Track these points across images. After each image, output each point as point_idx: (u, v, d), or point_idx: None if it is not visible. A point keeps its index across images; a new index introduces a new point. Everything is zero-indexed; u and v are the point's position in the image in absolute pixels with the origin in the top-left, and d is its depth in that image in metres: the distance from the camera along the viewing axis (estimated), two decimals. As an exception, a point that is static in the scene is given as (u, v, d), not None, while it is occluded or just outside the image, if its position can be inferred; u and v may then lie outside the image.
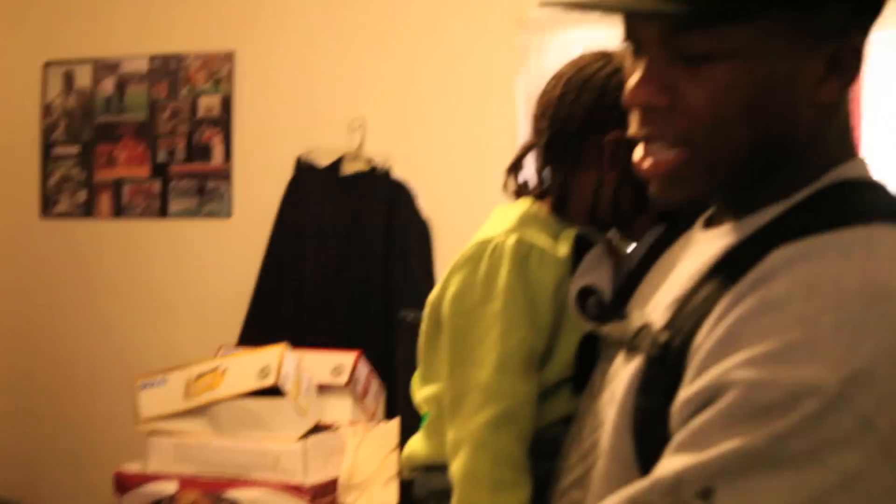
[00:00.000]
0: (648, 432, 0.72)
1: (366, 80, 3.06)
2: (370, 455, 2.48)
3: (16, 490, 3.28)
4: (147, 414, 2.41)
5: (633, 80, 0.73)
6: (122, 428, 2.67)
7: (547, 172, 0.96)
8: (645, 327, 0.76)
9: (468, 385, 0.87)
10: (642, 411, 0.73)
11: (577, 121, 0.92)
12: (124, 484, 2.37)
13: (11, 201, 3.43)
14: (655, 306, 0.78)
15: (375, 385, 2.75)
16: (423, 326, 0.98)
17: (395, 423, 2.50)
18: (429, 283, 2.21)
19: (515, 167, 0.98)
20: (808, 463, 0.59)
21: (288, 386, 2.40)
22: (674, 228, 0.91)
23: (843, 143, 0.74)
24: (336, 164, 3.00)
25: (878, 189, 0.73)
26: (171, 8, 3.23)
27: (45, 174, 3.41)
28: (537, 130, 0.97)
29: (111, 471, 2.35)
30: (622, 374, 0.77)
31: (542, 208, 0.93)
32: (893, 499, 0.60)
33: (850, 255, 0.65)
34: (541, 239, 0.89)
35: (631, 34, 0.74)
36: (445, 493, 0.90)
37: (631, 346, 0.77)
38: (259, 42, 3.13)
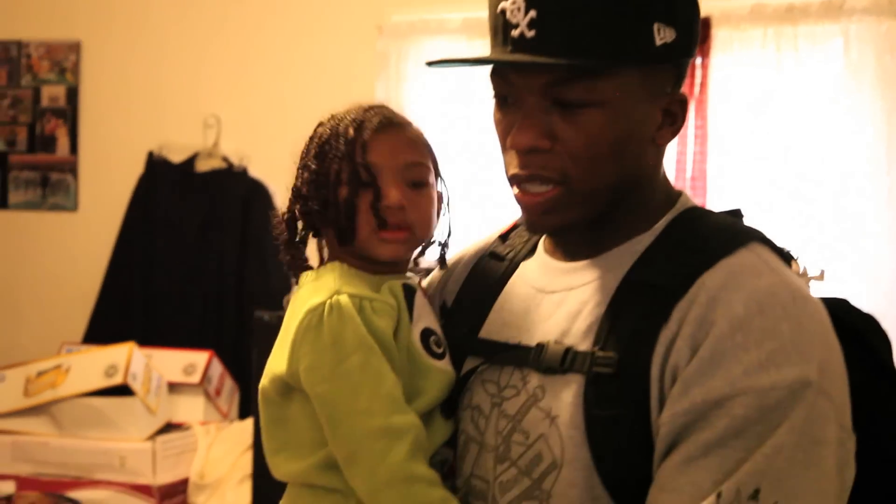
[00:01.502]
0: (605, 440, 0.79)
1: (221, 78, 3.02)
2: (223, 454, 2.45)
3: None
4: None
5: (515, 128, 0.80)
6: None
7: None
8: (568, 351, 0.83)
9: (361, 436, 0.86)
10: (597, 423, 0.79)
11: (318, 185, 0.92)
12: None
13: None
14: (554, 332, 0.85)
15: (229, 384, 2.73)
16: (265, 401, 0.94)
17: (249, 423, 2.49)
18: (285, 283, 2.22)
19: (294, 243, 0.96)
20: (817, 444, 0.72)
21: (136, 385, 2.46)
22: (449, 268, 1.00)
23: (667, 180, 0.87)
24: (190, 161, 2.95)
25: (711, 213, 0.88)
26: None
27: None
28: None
29: None
30: (555, 389, 0.83)
31: (349, 266, 0.92)
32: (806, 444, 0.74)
33: (762, 273, 0.77)
34: (366, 291, 0.89)
35: (506, 87, 0.82)
36: None
37: (548, 368, 0.83)
38: (107, 33, 3.08)
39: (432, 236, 0.95)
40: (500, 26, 0.82)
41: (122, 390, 2.47)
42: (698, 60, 2.60)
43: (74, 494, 2.44)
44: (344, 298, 0.86)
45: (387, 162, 0.89)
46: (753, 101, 2.55)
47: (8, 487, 2.46)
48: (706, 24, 2.50)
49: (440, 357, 0.90)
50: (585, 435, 0.79)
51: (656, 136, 0.84)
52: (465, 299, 0.99)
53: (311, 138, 0.92)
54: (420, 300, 0.93)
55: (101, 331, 2.87)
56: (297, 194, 0.93)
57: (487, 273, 0.99)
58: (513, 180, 0.85)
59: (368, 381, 0.84)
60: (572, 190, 0.81)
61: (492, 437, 0.88)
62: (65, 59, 3.13)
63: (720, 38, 2.57)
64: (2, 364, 2.64)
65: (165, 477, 2.50)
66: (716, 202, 2.56)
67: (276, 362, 0.89)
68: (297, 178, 0.94)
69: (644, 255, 0.84)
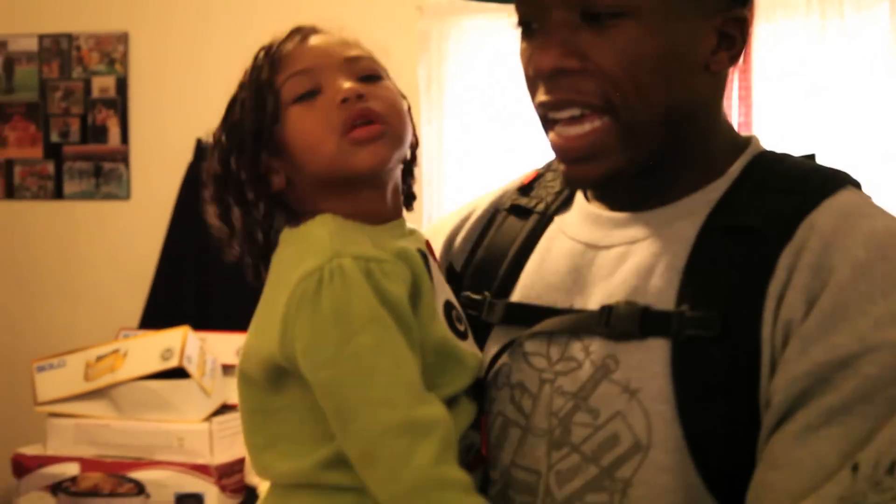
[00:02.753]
0: (702, 416, 0.70)
1: None
2: (276, 435, 2.42)
3: None
4: (45, 397, 2.44)
5: (536, 51, 0.71)
6: (20, 411, 2.73)
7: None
8: (647, 311, 0.73)
9: (379, 433, 0.73)
10: (692, 395, 0.70)
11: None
12: (23, 466, 2.40)
13: None
14: (621, 292, 0.75)
15: (281, 365, 2.70)
16: (246, 387, 0.80)
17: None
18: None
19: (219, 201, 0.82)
20: None
21: (192, 367, 2.43)
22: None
23: (729, 122, 0.79)
24: None
25: (791, 156, 0.79)
26: None
27: None
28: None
29: (9, 453, 2.41)
30: (633, 358, 0.73)
31: (342, 218, 0.78)
32: None
33: (874, 214, 0.71)
34: (371, 250, 0.75)
35: (531, 8, 0.73)
36: None
37: (618, 330, 0.74)
38: (154, 23, 3.08)
39: (411, 135, 0.80)
40: None
41: (178, 373, 2.41)
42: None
43: (136, 475, 2.43)
44: (347, 262, 0.71)
45: (323, 61, 0.77)
46: (798, 69, 2.51)
47: (72, 469, 2.44)
48: None
49: (464, 336, 0.79)
50: (677, 411, 0.70)
51: (710, 62, 0.73)
52: (482, 260, 0.87)
53: (237, 90, 0.80)
54: (434, 266, 0.80)
55: (157, 315, 2.89)
56: (224, 150, 0.79)
57: (509, 230, 0.88)
58: (545, 119, 0.76)
59: (384, 365, 0.72)
60: (619, 121, 0.72)
61: (543, 419, 0.78)
62: (113, 51, 3.13)
63: (763, 5, 2.45)
64: (62, 350, 2.61)
65: (222, 457, 2.51)
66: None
67: (262, 340, 0.76)
68: (222, 141, 0.80)
69: (723, 200, 0.74)
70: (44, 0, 3.18)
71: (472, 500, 0.71)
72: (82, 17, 3.15)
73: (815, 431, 0.65)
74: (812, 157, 0.79)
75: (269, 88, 0.75)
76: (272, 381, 0.74)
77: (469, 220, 0.89)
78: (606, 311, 0.73)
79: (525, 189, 0.88)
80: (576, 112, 0.71)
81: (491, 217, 0.88)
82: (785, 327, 0.67)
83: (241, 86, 0.77)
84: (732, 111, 2.58)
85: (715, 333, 0.69)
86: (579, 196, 0.82)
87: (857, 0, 2.48)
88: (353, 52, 0.76)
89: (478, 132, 2.91)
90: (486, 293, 0.82)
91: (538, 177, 0.88)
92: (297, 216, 0.77)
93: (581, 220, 0.81)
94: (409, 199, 0.82)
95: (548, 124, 0.74)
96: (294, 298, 0.70)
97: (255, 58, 0.77)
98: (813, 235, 0.68)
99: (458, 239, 0.88)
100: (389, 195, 0.77)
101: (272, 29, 0.79)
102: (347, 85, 0.73)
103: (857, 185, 0.73)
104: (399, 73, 0.89)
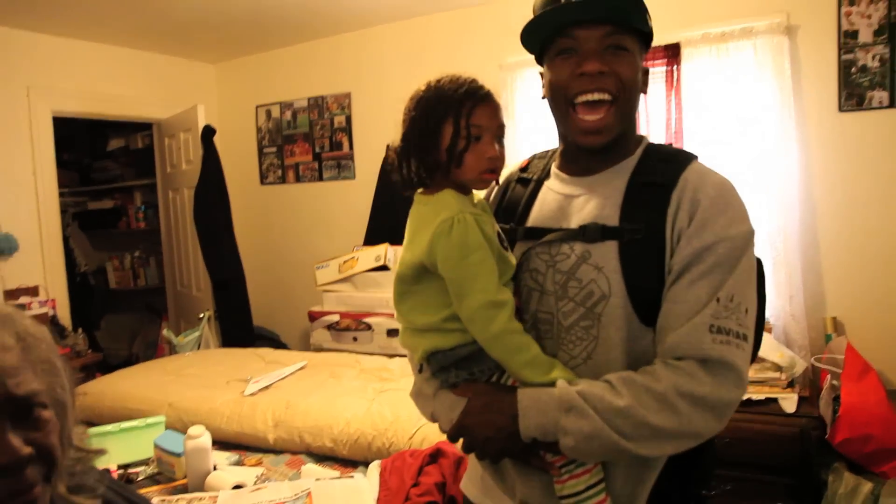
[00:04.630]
0: (635, 278, 0.92)
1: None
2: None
3: (267, 322, 4.29)
4: (321, 282, 3.39)
5: (586, 61, 0.93)
6: (310, 290, 3.71)
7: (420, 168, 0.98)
8: (601, 227, 0.93)
9: (479, 306, 0.92)
10: (630, 268, 0.92)
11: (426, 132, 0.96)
12: (313, 316, 3.35)
13: (245, 177, 4.42)
14: (588, 218, 0.96)
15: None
16: (400, 281, 1.00)
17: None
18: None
19: (401, 165, 0.98)
20: (753, 268, 0.92)
21: (391, 265, 3.22)
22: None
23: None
24: None
25: (665, 145, 1.02)
26: (316, 70, 4.05)
27: (260, 162, 4.35)
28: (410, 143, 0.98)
29: (305, 310, 3.51)
30: (599, 252, 0.94)
31: (455, 192, 0.95)
32: (754, 271, 0.91)
33: (713, 173, 0.95)
34: (474, 209, 0.95)
35: (571, 41, 0.94)
36: (462, 360, 1.00)
37: (588, 237, 0.94)
38: (363, 85, 3.93)
39: None
40: (565, 3, 0.92)
41: (383, 268, 3.29)
42: (674, 67, 2.92)
43: (366, 320, 3.26)
44: (468, 216, 0.93)
45: (488, 124, 0.97)
46: (706, 90, 2.89)
47: (335, 318, 3.32)
48: (677, 46, 2.93)
49: (508, 249, 1.00)
50: (622, 276, 0.93)
51: (642, 88, 0.98)
52: (506, 208, 1.08)
53: (418, 102, 0.97)
54: (491, 215, 1.00)
55: (371, 238, 3.70)
56: (409, 140, 0.97)
57: (519, 190, 1.07)
58: (572, 103, 0.96)
59: (483, 271, 0.93)
60: (618, 108, 0.95)
61: (550, 285, 0.99)
62: (344, 101, 3.97)
63: (685, 53, 2.92)
64: (327, 258, 3.54)
65: None
66: (689, 145, 2.87)
67: (413, 254, 0.97)
68: (409, 129, 0.98)
69: (637, 168, 0.98)
70: (308, 80, 4.04)
71: (525, 337, 0.95)
72: (327, 86, 4.06)
73: (695, 283, 0.88)
74: (670, 145, 1.01)
75: (449, 111, 0.94)
76: (416, 276, 0.97)
77: (494, 190, 1.09)
78: (582, 228, 0.94)
79: (524, 169, 1.09)
80: (604, 96, 0.94)
81: (506, 185, 1.08)
82: (678, 232, 0.90)
83: (428, 104, 0.95)
84: (671, 113, 2.89)
85: (641, 236, 0.90)
86: (554, 169, 1.04)
87: (737, 47, 2.77)
88: (502, 121, 0.98)
89: (536, 143, 3.18)
90: (512, 224, 1.04)
91: (529, 162, 1.11)
92: (430, 186, 0.97)
93: (558, 182, 1.03)
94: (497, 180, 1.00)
95: (573, 108, 0.96)
96: (437, 232, 0.92)
97: (443, 89, 0.95)
98: (687, 184, 0.91)
99: (491, 199, 1.08)
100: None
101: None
102: (496, 148, 0.97)
103: (697, 158, 0.96)
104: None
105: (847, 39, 2.68)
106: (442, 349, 1.01)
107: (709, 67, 2.86)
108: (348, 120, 3.95)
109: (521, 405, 0.93)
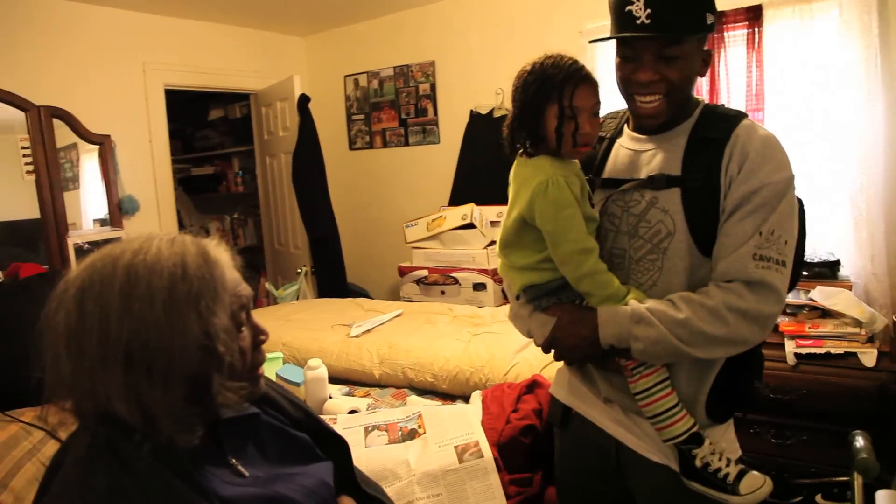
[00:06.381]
0: (696, 218, 1.03)
1: (500, 70, 3.61)
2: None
3: (355, 277, 4.43)
4: (410, 239, 3.48)
5: (640, 71, 1.04)
6: (400, 247, 3.83)
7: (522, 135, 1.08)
8: (666, 177, 1.03)
9: (571, 252, 1.04)
10: (691, 210, 1.04)
11: (532, 102, 1.06)
12: (403, 271, 3.44)
13: (334, 143, 4.54)
14: (655, 170, 1.06)
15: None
16: (511, 227, 1.10)
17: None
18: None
19: (512, 137, 1.09)
20: (794, 207, 1.02)
21: (476, 223, 3.28)
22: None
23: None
24: (490, 113, 3.70)
25: (718, 105, 1.12)
26: (401, 40, 4.12)
27: (349, 129, 4.48)
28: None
29: (393, 266, 3.67)
30: (665, 197, 1.05)
31: (552, 158, 1.05)
32: (794, 210, 1.02)
33: (760, 129, 1.04)
34: (565, 172, 1.05)
35: (629, 50, 1.05)
36: (552, 291, 1.13)
37: (656, 186, 1.05)
38: (446, 54, 4.01)
39: None
40: (626, 16, 1.02)
41: (469, 226, 3.35)
42: (755, 29, 2.86)
43: (453, 274, 3.34)
44: (561, 179, 1.05)
45: (585, 105, 1.07)
46: (788, 52, 2.85)
47: (423, 273, 3.40)
48: (759, 7, 2.86)
49: (592, 205, 1.14)
50: (685, 217, 1.06)
51: (700, 72, 1.09)
52: (584, 162, 1.19)
53: (524, 84, 1.07)
54: (582, 174, 1.10)
55: (457, 198, 3.81)
56: (517, 117, 1.08)
57: (595, 147, 1.19)
58: (634, 95, 1.09)
59: (574, 224, 1.05)
60: (670, 102, 1.08)
61: (624, 226, 1.12)
62: (428, 70, 4.07)
63: (767, 15, 2.87)
64: (415, 217, 3.69)
65: (494, 263, 3.11)
66: (770, 107, 2.87)
67: (515, 209, 1.09)
68: (516, 107, 1.09)
69: (696, 127, 1.10)
70: (395, 49, 4.17)
71: (608, 275, 1.08)
72: (413, 54, 4.16)
73: (743, 220, 1.00)
74: (723, 105, 1.12)
75: (552, 94, 1.03)
76: (518, 228, 1.09)
77: None
78: (651, 178, 1.07)
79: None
80: (656, 98, 1.07)
81: None
82: (730, 179, 1.01)
83: (533, 87, 1.04)
84: (752, 77, 2.84)
85: (700, 183, 1.02)
86: (625, 129, 1.16)
87: (821, 8, 2.71)
88: (598, 100, 1.08)
89: (613, 103, 2.38)
90: (590, 175, 1.17)
91: (603, 122, 1.22)
92: (530, 152, 1.08)
93: (629, 140, 1.15)
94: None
95: (631, 99, 1.11)
96: (535, 191, 1.03)
97: (547, 73, 1.04)
98: (738, 139, 1.02)
99: None
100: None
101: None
102: (588, 128, 1.07)
103: (747, 116, 1.06)
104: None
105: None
106: (537, 283, 1.17)
107: (791, 28, 2.84)
108: (433, 87, 4.05)
109: (601, 318, 1.09)
